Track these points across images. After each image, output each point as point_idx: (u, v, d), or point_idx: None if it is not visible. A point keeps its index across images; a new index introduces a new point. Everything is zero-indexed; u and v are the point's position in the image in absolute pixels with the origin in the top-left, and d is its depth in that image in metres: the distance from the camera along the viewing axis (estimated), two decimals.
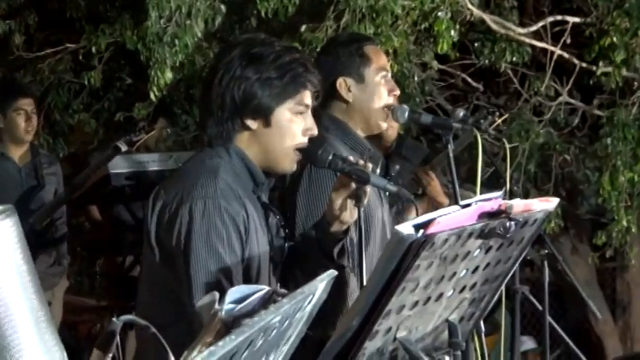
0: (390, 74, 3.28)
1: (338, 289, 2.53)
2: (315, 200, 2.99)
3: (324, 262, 2.64)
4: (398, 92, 3.28)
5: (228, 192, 2.45)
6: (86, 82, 5.85)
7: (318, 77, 2.60)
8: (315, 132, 2.61)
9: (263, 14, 4.89)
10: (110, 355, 1.61)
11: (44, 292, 5.33)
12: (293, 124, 2.56)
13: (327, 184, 2.99)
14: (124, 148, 5.13)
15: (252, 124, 2.54)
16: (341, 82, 3.17)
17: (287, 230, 2.68)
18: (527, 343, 6.99)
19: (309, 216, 2.97)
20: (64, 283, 5.56)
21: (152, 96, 4.78)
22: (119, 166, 5.19)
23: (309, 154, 2.78)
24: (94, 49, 5.66)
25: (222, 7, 4.83)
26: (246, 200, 2.50)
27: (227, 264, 2.41)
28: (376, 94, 3.19)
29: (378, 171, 3.26)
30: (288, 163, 2.60)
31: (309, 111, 2.61)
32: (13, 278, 1.39)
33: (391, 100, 3.23)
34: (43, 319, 1.42)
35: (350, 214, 2.58)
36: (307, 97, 2.58)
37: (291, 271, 2.70)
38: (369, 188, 2.61)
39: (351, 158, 2.60)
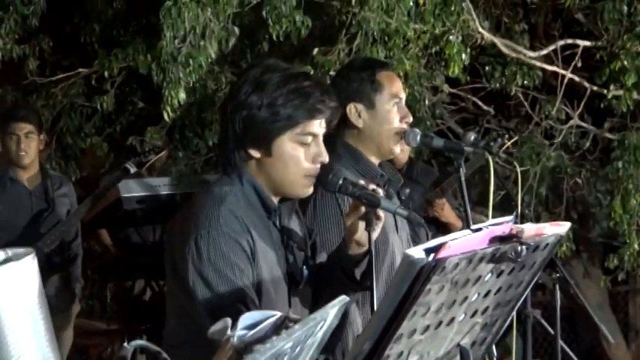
0: (403, 101, 3.27)
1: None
2: (320, 227, 3.00)
3: (348, 284, 2.62)
4: (411, 119, 3.26)
5: (232, 219, 2.44)
6: (98, 106, 5.88)
7: (329, 105, 2.52)
8: (326, 159, 2.55)
9: (275, 38, 4.91)
10: None
11: (54, 315, 5.29)
12: (297, 152, 2.50)
13: (331, 212, 3.00)
14: (132, 169, 5.15)
15: (254, 153, 2.51)
16: (351, 108, 3.17)
17: (307, 253, 2.67)
18: None
19: (315, 242, 2.98)
20: (75, 307, 5.56)
21: (165, 116, 4.79)
22: (131, 189, 5.22)
23: (319, 178, 2.79)
24: (106, 74, 5.69)
25: (236, 29, 4.85)
26: (252, 226, 2.48)
27: (239, 288, 2.40)
28: (387, 121, 3.18)
29: (396, 195, 3.28)
30: (300, 189, 2.56)
31: (319, 138, 2.54)
32: (26, 324, 1.40)
33: (404, 127, 3.22)
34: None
35: (365, 237, 2.56)
36: (314, 125, 2.51)
37: (320, 294, 2.70)
38: (382, 213, 2.61)
39: (362, 182, 2.59)
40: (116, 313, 7.08)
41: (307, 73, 2.79)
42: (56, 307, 5.37)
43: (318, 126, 2.52)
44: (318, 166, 2.55)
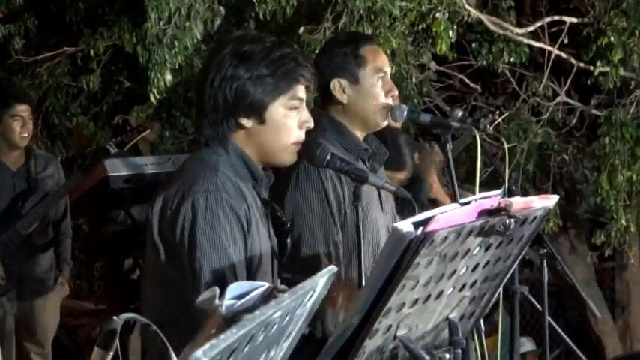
0: (389, 75, 3.27)
1: None
2: (300, 202, 3.00)
3: None
4: (396, 93, 3.26)
5: (230, 185, 2.46)
6: (84, 86, 5.85)
7: (310, 70, 2.59)
8: (312, 124, 2.60)
9: (261, 16, 4.89)
10: (111, 353, 1.61)
11: (38, 296, 5.27)
12: (288, 120, 2.56)
13: (314, 187, 3.00)
14: (113, 150, 5.14)
15: (246, 122, 2.54)
16: (335, 83, 3.16)
17: (289, 225, 2.68)
18: (526, 345, 6.98)
19: (295, 216, 2.98)
20: (63, 290, 5.54)
21: (152, 98, 4.78)
22: (118, 169, 5.20)
23: (307, 154, 2.79)
24: (92, 53, 5.66)
25: (221, 8, 4.83)
26: (247, 194, 2.50)
27: (231, 257, 2.41)
28: (371, 95, 3.17)
29: (383, 168, 3.29)
30: (288, 157, 2.60)
31: (304, 104, 2.60)
32: None
33: (389, 101, 3.22)
34: None
35: None
36: (300, 90, 2.57)
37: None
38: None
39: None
40: (104, 292, 7.08)
41: (285, 41, 2.82)
42: (44, 288, 5.37)
43: (303, 91, 2.58)
44: (304, 132, 2.59)
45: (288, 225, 2.68)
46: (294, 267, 2.76)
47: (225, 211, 2.41)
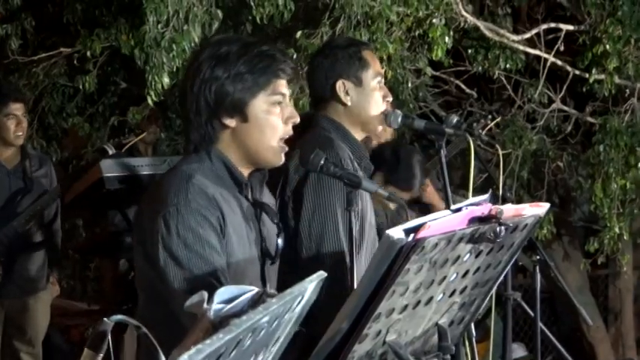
0: (383, 81, 3.30)
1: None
2: (324, 194, 3.01)
3: None
4: (391, 99, 3.29)
5: (200, 195, 2.44)
6: (80, 86, 5.85)
7: (290, 65, 2.59)
8: (297, 120, 2.60)
9: (258, 20, 4.90)
10: (101, 354, 1.62)
11: (30, 295, 5.27)
12: (271, 116, 2.55)
13: (335, 184, 2.99)
14: (111, 151, 5.15)
15: (229, 122, 2.53)
16: (340, 85, 3.18)
17: (280, 225, 2.67)
18: (518, 351, 6.98)
19: (316, 209, 2.99)
20: (54, 289, 5.54)
21: (150, 101, 4.79)
22: (113, 169, 5.20)
23: (301, 157, 2.80)
24: (88, 54, 5.66)
25: (219, 12, 4.84)
26: (223, 201, 2.49)
27: (212, 263, 2.40)
28: (373, 99, 3.21)
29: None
30: (273, 156, 2.58)
31: (287, 99, 2.60)
32: None
33: (385, 106, 3.24)
34: None
35: None
36: (282, 86, 2.57)
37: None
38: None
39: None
40: (97, 293, 7.08)
41: (262, 39, 2.84)
42: (35, 287, 5.37)
43: (285, 86, 2.58)
44: (290, 127, 2.58)
45: (278, 224, 2.67)
46: (314, 264, 2.77)
47: (197, 219, 2.41)
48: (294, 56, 4.84)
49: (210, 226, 2.43)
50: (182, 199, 2.42)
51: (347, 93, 3.19)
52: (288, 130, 2.58)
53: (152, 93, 4.71)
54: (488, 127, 4.89)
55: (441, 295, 2.37)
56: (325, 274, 1.66)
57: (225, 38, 2.66)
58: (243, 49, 2.53)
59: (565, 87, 5.87)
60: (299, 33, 5.04)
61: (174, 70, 4.78)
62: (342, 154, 3.03)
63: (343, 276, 2.86)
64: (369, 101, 3.20)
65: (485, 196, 2.40)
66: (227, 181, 2.54)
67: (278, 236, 2.63)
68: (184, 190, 2.44)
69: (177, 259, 2.40)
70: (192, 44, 4.72)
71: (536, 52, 5.72)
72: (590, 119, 6.05)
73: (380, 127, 3.26)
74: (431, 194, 5.28)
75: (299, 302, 1.57)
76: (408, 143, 5.95)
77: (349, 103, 3.19)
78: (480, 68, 5.84)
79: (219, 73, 2.51)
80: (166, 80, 4.68)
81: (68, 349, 6.80)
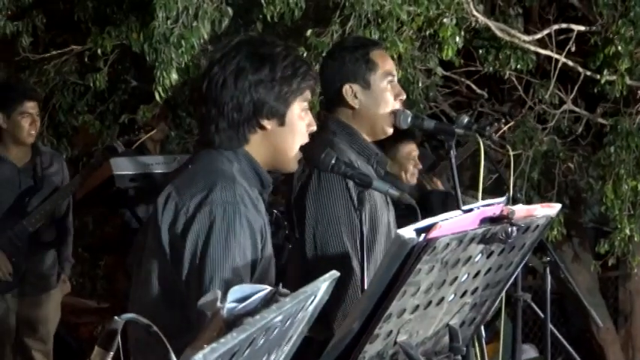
0: (396, 78, 3.28)
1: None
2: (324, 201, 3.01)
3: None
4: (404, 97, 3.28)
5: (247, 199, 2.44)
6: (91, 84, 5.85)
7: (316, 73, 2.65)
8: (315, 128, 2.64)
9: (269, 18, 4.89)
10: (112, 353, 1.62)
11: (41, 293, 5.27)
12: (302, 121, 2.59)
13: (336, 186, 3.00)
14: (120, 149, 5.15)
15: (267, 123, 2.54)
16: (347, 89, 3.18)
17: (288, 231, 2.69)
18: (529, 352, 6.98)
19: (318, 217, 2.99)
20: (65, 287, 5.55)
21: (157, 97, 4.77)
22: (124, 167, 5.20)
23: (312, 157, 2.80)
24: (99, 51, 5.66)
25: (229, 9, 4.83)
26: (261, 206, 2.49)
27: (240, 272, 2.37)
28: (382, 100, 3.19)
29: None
30: (294, 161, 2.61)
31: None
32: None
33: (397, 105, 3.23)
34: None
35: None
36: (309, 93, 2.62)
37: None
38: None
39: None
40: (107, 291, 7.09)
41: (292, 45, 2.85)
42: (47, 285, 5.38)
43: (309, 93, 2.62)
44: (307, 136, 2.62)
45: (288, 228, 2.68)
46: (320, 268, 2.77)
47: (243, 224, 2.39)
48: (305, 55, 4.83)
49: (252, 232, 2.41)
50: (231, 198, 2.40)
51: (355, 96, 3.18)
52: (306, 137, 2.62)
53: (159, 89, 4.70)
54: (502, 130, 4.88)
55: (453, 296, 2.37)
56: (338, 274, 1.65)
57: (258, 39, 2.72)
58: (283, 53, 2.55)
59: (576, 88, 5.85)
60: (309, 31, 5.03)
61: (183, 66, 4.78)
62: (342, 158, 3.02)
63: (346, 279, 2.87)
64: (379, 103, 3.19)
65: (502, 199, 2.39)
66: (254, 183, 2.54)
67: (286, 240, 2.64)
68: (232, 190, 2.42)
69: (212, 256, 2.36)
70: (201, 41, 4.72)
71: (548, 52, 5.70)
72: (601, 120, 6.03)
73: (390, 129, 3.24)
74: (436, 185, 5.32)
75: (312, 301, 1.57)
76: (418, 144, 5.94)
77: (357, 107, 3.19)
78: (491, 68, 5.82)
79: (264, 75, 2.52)
80: (174, 76, 4.68)
81: (77, 346, 6.81)
